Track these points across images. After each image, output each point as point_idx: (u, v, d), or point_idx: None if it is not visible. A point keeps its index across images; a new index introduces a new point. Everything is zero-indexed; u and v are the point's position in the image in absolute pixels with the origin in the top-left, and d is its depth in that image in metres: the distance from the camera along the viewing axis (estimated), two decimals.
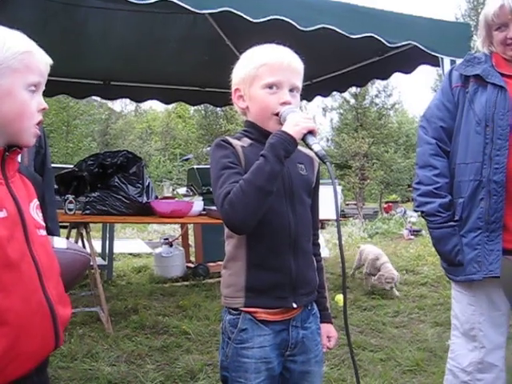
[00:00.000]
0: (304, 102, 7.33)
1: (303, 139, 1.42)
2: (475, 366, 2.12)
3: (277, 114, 1.48)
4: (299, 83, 1.53)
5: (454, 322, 2.26)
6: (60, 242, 1.60)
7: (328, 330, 1.70)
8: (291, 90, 1.51)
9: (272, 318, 1.49)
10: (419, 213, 2.29)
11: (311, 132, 1.42)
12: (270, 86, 1.49)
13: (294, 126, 1.40)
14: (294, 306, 1.51)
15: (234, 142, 1.50)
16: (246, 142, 1.53)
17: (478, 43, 2.33)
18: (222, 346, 1.54)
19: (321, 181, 1.70)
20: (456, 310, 2.24)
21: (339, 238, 1.43)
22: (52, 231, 2.82)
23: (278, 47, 1.55)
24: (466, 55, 2.28)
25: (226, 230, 1.52)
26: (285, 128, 1.41)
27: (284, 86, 1.49)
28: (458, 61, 2.30)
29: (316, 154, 1.42)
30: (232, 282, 1.51)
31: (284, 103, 1.48)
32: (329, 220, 5.43)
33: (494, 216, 2.04)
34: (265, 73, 1.49)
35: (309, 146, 1.43)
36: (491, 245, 2.05)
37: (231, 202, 1.35)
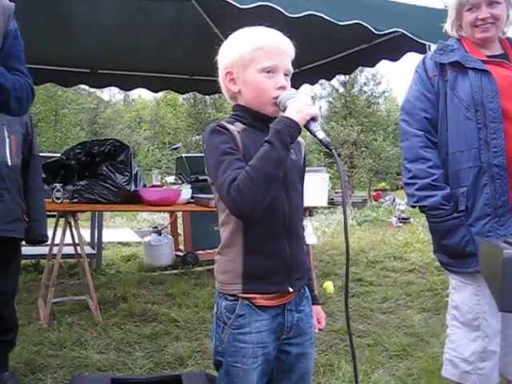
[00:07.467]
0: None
1: (305, 126, 1.40)
2: (478, 355, 2.09)
3: (275, 99, 1.46)
4: (291, 67, 1.53)
5: (453, 312, 2.20)
6: None
7: (317, 311, 1.72)
8: (285, 74, 1.50)
9: (269, 303, 1.49)
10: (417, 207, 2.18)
11: (313, 119, 1.41)
12: (267, 71, 1.46)
13: (297, 112, 1.39)
14: (290, 290, 1.51)
15: (230, 126, 1.47)
16: (239, 126, 1.49)
17: (447, 26, 2.26)
18: (216, 331, 1.53)
19: (309, 168, 1.70)
20: (457, 300, 2.17)
21: (345, 225, 1.43)
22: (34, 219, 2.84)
23: (272, 30, 1.52)
24: (438, 43, 2.20)
25: (222, 217, 1.50)
26: (288, 114, 1.39)
27: (280, 70, 1.48)
28: None
29: (320, 141, 1.40)
30: (229, 268, 1.49)
31: (281, 88, 1.47)
32: (317, 207, 5.44)
33: (500, 200, 2.01)
34: (262, 56, 1.46)
35: (312, 133, 1.41)
36: (503, 230, 2.00)
37: (239, 189, 1.33)
